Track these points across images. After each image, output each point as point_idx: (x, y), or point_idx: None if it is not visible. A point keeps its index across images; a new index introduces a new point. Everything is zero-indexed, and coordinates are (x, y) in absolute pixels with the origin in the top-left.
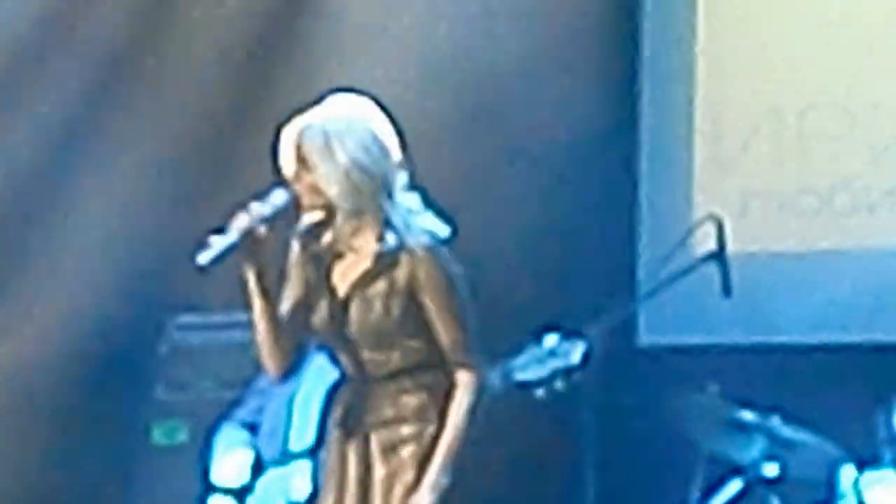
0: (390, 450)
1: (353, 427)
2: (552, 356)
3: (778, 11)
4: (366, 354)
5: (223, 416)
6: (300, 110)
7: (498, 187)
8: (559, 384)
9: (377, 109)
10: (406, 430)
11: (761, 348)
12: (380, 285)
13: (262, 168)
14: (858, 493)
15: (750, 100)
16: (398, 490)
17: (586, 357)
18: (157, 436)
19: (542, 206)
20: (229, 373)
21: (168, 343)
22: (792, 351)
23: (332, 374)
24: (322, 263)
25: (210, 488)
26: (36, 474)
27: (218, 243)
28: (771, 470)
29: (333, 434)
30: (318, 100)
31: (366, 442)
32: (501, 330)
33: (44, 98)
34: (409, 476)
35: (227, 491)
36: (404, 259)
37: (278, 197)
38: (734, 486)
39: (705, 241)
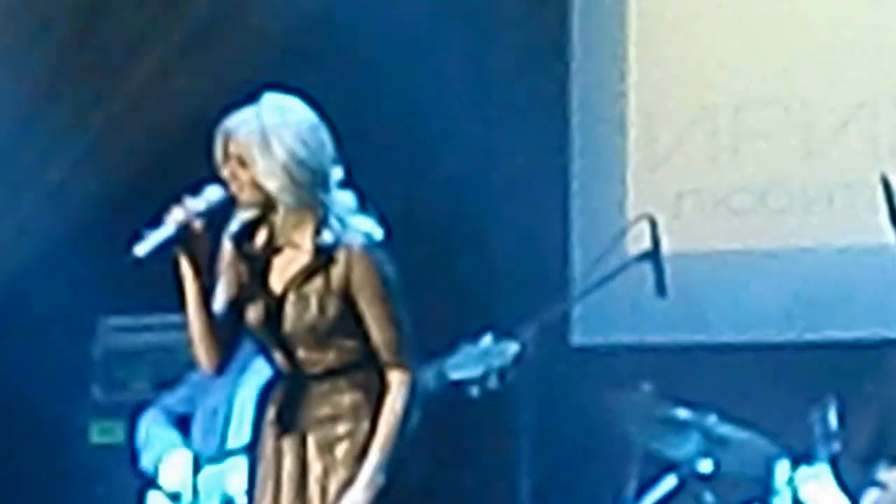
0: (325, 448)
1: (289, 425)
2: (486, 355)
3: (710, 9)
4: (301, 353)
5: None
6: (232, 107)
7: (428, 186)
8: (493, 383)
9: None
10: (341, 428)
11: (696, 347)
12: (316, 283)
13: (195, 165)
14: (793, 489)
15: (683, 98)
16: (333, 488)
17: (519, 356)
18: (95, 435)
19: (474, 207)
20: (164, 373)
21: (101, 344)
22: (727, 350)
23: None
24: (256, 261)
25: (148, 484)
26: None
27: (154, 236)
28: (705, 466)
29: (268, 431)
30: (250, 98)
31: (301, 440)
32: (435, 331)
33: None
34: (343, 474)
35: (169, 494)
36: (341, 257)
37: (213, 193)
38: (669, 483)
39: (639, 241)
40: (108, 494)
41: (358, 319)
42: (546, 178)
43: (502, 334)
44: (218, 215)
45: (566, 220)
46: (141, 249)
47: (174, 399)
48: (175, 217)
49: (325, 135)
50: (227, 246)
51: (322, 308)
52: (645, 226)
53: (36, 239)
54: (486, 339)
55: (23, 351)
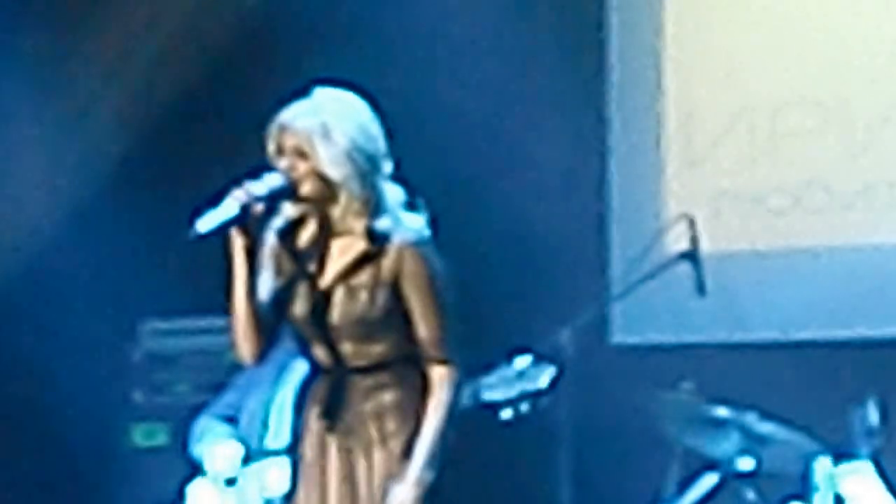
0: (372, 445)
1: (333, 421)
2: (521, 378)
3: (747, 9)
4: (346, 346)
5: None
6: (278, 105)
7: (466, 187)
8: (525, 407)
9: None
10: (387, 424)
11: (735, 346)
12: (366, 274)
13: (241, 167)
14: (833, 486)
15: (721, 98)
16: (381, 485)
17: (555, 382)
18: (138, 438)
19: (515, 207)
20: (204, 376)
21: (142, 348)
22: (765, 348)
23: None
24: (303, 256)
25: (192, 477)
26: (20, 477)
27: (216, 214)
28: (746, 464)
29: (312, 428)
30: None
31: (346, 436)
32: (476, 331)
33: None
34: (390, 471)
35: (223, 480)
36: (392, 250)
37: (274, 179)
38: (709, 480)
39: (678, 241)
40: (150, 497)
41: (404, 313)
42: (585, 179)
43: (540, 356)
44: (277, 202)
45: (605, 220)
46: (203, 226)
47: (222, 405)
48: (237, 197)
49: (377, 127)
50: (270, 240)
51: (372, 299)
52: (684, 226)
53: (77, 243)
54: (523, 361)
55: (65, 355)
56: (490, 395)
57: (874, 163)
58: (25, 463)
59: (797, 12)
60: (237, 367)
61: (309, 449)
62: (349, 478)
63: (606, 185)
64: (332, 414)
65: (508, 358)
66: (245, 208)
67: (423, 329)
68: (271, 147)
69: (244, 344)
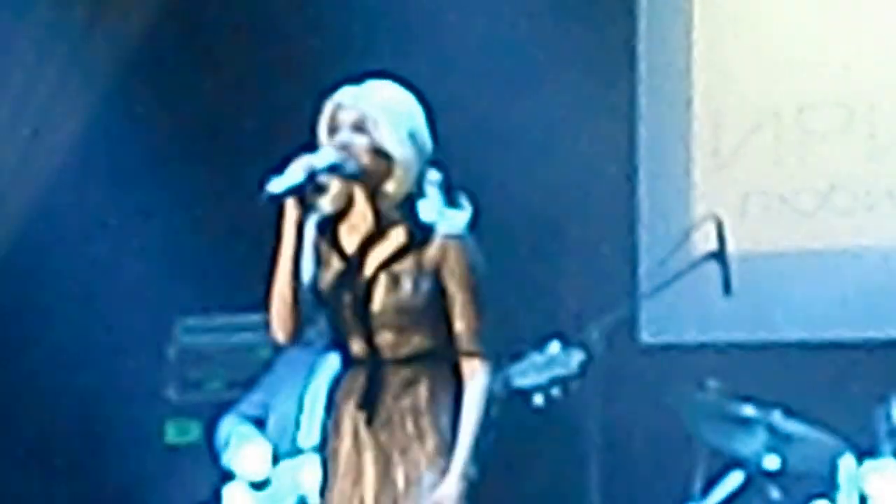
0: (408, 437)
1: (371, 413)
2: (551, 364)
3: (776, 10)
4: (384, 336)
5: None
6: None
7: (496, 187)
8: (556, 392)
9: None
10: (423, 417)
11: (761, 346)
12: (408, 263)
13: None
14: (858, 484)
15: (749, 98)
16: (417, 478)
17: (585, 366)
18: (171, 434)
19: (543, 207)
20: (237, 373)
21: (176, 345)
22: (791, 348)
23: None
24: (343, 246)
25: (226, 479)
26: (54, 474)
27: (284, 179)
28: (772, 463)
29: (347, 421)
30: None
31: (383, 428)
32: (504, 330)
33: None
34: (426, 464)
35: (250, 483)
36: (436, 242)
37: (330, 153)
38: (735, 478)
39: (705, 241)
40: (184, 493)
41: (442, 306)
42: (614, 179)
43: (569, 342)
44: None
45: (633, 219)
46: (276, 186)
47: (248, 403)
48: (303, 165)
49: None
50: (310, 228)
51: (415, 287)
52: (711, 226)
53: (112, 240)
54: (553, 347)
55: (99, 352)
56: (521, 382)
57: None
58: (60, 459)
59: (824, 15)
60: (269, 364)
61: (344, 442)
62: (385, 470)
63: (635, 184)
64: (370, 405)
65: (538, 345)
66: (310, 175)
67: (461, 322)
68: (324, 126)
69: (281, 321)
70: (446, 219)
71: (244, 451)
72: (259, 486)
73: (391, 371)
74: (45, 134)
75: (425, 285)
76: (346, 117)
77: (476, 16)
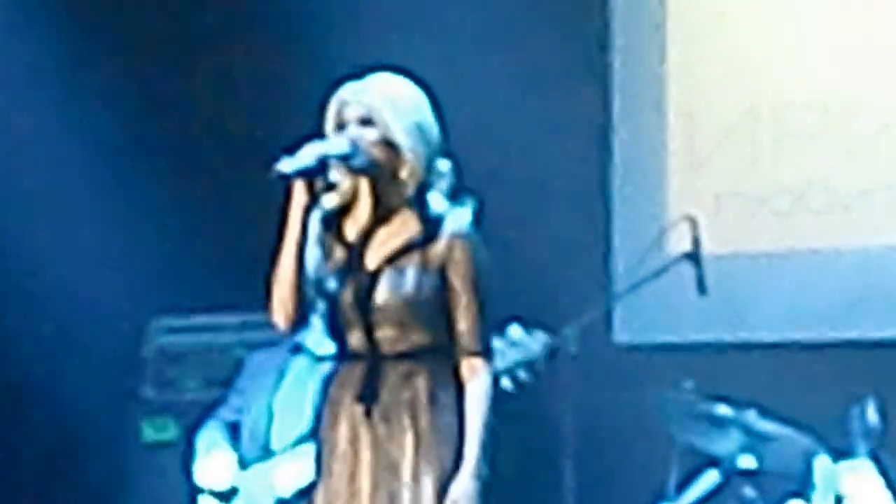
0: (405, 432)
1: (370, 407)
2: (515, 347)
3: (750, 11)
4: (385, 330)
5: (208, 414)
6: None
7: (472, 188)
8: (523, 375)
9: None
10: (422, 414)
11: (736, 346)
12: (414, 258)
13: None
14: (833, 484)
15: (723, 99)
16: (414, 473)
17: (552, 351)
18: (148, 433)
19: (516, 207)
20: (213, 372)
21: (152, 345)
22: (766, 349)
23: (315, 377)
24: (348, 240)
25: (198, 488)
26: (31, 472)
27: (295, 161)
28: (746, 462)
29: (344, 415)
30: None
31: (381, 423)
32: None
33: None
34: (423, 460)
35: (213, 493)
36: (442, 238)
37: (343, 143)
38: (710, 478)
39: (680, 241)
40: (160, 492)
41: (444, 303)
42: (588, 179)
43: (529, 325)
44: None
45: (608, 220)
46: (286, 166)
47: (226, 408)
48: (315, 150)
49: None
50: (314, 222)
51: (418, 284)
52: (686, 226)
53: (87, 239)
54: (514, 331)
55: (75, 350)
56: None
57: (876, 165)
58: (36, 457)
59: (800, 14)
60: (244, 365)
61: (340, 435)
62: (382, 464)
63: (609, 184)
64: (369, 399)
65: (500, 329)
66: (321, 161)
67: (464, 321)
68: (331, 123)
69: (282, 307)
70: (453, 215)
71: (206, 461)
72: (225, 496)
73: (390, 365)
74: (17, 132)
75: (429, 282)
76: (351, 113)
77: (450, 19)
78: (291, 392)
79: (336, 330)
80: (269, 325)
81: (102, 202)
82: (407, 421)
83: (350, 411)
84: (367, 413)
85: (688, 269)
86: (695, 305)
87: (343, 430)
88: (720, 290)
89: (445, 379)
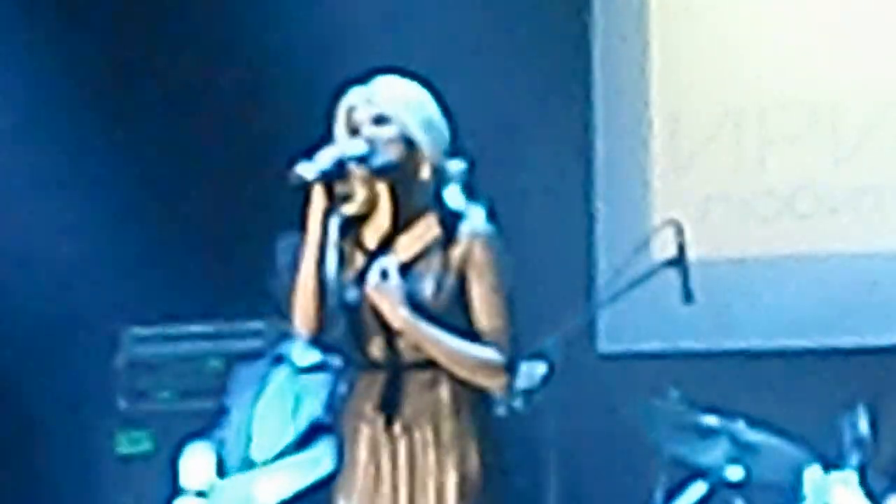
0: (427, 441)
1: (392, 416)
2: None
3: (735, 12)
4: (405, 339)
5: (186, 424)
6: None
7: None
8: (518, 403)
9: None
10: (444, 422)
11: (723, 354)
12: (434, 261)
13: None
14: (823, 495)
15: (708, 102)
16: (436, 482)
17: (547, 377)
18: (123, 445)
19: (499, 213)
20: (188, 383)
21: (125, 355)
22: (754, 356)
23: (294, 388)
24: (367, 247)
25: (175, 493)
26: (2, 485)
27: (315, 165)
28: (734, 473)
29: (364, 425)
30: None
31: (403, 432)
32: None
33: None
34: (444, 468)
35: (195, 493)
36: (462, 238)
37: (361, 145)
38: (698, 489)
39: (665, 247)
40: (134, 502)
41: (465, 306)
42: (571, 184)
43: (531, 356)
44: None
45: (591, 226)
46: (303, 171)
47: (209, 425)
48: (332, 153)
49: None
50: (332, 229)
51: (437, 290)
52: (670, 232)
53: (60, 249)
54: None
55: (47, 361)
56: None
57: (862, 168)
58: (8, 470)
59: (785, 16)
60: (220, 374)
61: (362, 447)
62: (404, 475)
63: (592, 190)
64: (391, 409)
65: None
66: (340, 163)
67: (485, 322)
68: (342, 130)
69: (304, 315)
70: (471, 213)
71: (187, 461)
72: (202, 494)
73: (411, 375)
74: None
75: (448, 286)
76: (363, 115)
77: (432, 21)
78: (272, 403)
79: (357, 338)
80: (245, 334)
81: (73, 209)
82: (429, 430)
83: (371, 422)
84: (388, 423)
85: (673, 276)
86: (680, 312)
87: (364, 442)
88: (706, 296)
89: (468, 384)
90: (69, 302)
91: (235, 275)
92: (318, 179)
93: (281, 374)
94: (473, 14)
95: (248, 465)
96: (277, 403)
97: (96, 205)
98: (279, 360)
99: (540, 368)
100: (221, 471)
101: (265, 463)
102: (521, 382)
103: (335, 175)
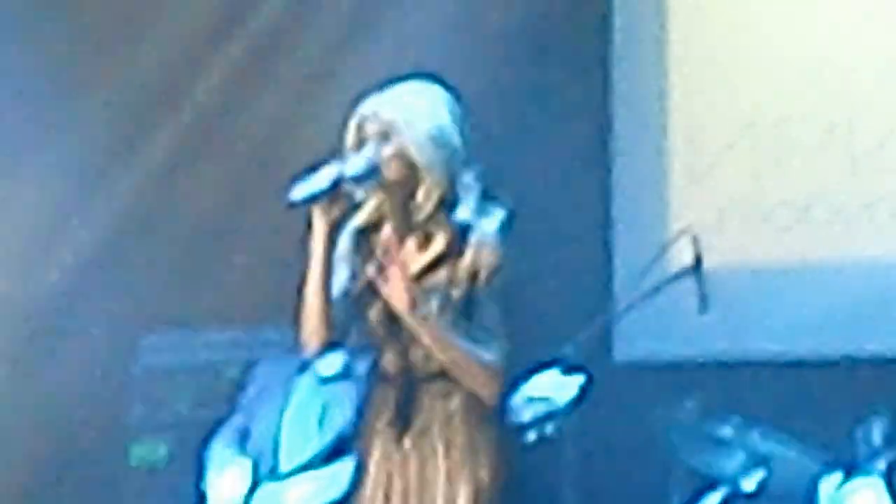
0: (437, 452)
1: (405, 428)
2: (544, 401)
3: (752, 23)
4: (415, 351)
5: (202, 433)
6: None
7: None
8: (550, 429)
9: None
10: (455, 433)
11: (739, 363)
12: (441, 275)
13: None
14: None
15: (725, 112)
16: (445, 492)
17: (577, 403)
18: (136, 455)
19: (514, 221)
20: (203, 392)
21: (140, 363)
22: (769, 365)
23: (323, 392)
24: (377, 258)
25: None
26: (17, 494)
27: (309, 185)
28: (750, 483)
29: (378, 436)
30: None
31: (415, 443)
32: None
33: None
34: (455, 478)
35: None
36: (469, 250)
37: (360, 162)
38: (713, 499)
39: (681, 256)
40: None
41: (472, 315)
42: (588, 193)
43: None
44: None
45: (608, 235)
46: (297, 194)
47: (229, 429)
48: (329, 173)
49: (459, 120)
50: (344, 244)
51: (444, 302)
52: (687, 241)
53: (75, 256)
54: (543, 380)
55: (62, 369)
56: (518, 417)
57: (878, 178)
58: (20, 482)
59: (802, 28)
60: (237, 383)
61: (374, 459)
62: (415, 486)
63: (609, 199)
64: (404, 420)
65: (528, 376)
66: (336, 183)
67: (483, 326)
68: (351, 140)
69: (312, 335)
70: (480, 225)
71: (219, 476)
72: None
73: (424, 386)
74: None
75: (456, 298)
76: (371, 128)
77: (449, 30)
78: (299, 412)
79: (372, 350)
80: (262, 342)
81: (91, 216)
82: (441, 442)
83: (383, 435)
84: (401, 435)
85: (689, 285)
86: (696, 321)
87: (377, 454)
88: (722, 305)
89: (476, 398)
90: (86, 309)
91: (254, 281)
92: (307, 201)
93: (306, 382)
94: (492, 25)
95: (277, 475)
96: (304, 412)
97: (112, 209)
98: (304, 366)
99: (570, 392)
100: (251, 483)
101: (291, 473)
102: (553, 407)
103: (331, 195)
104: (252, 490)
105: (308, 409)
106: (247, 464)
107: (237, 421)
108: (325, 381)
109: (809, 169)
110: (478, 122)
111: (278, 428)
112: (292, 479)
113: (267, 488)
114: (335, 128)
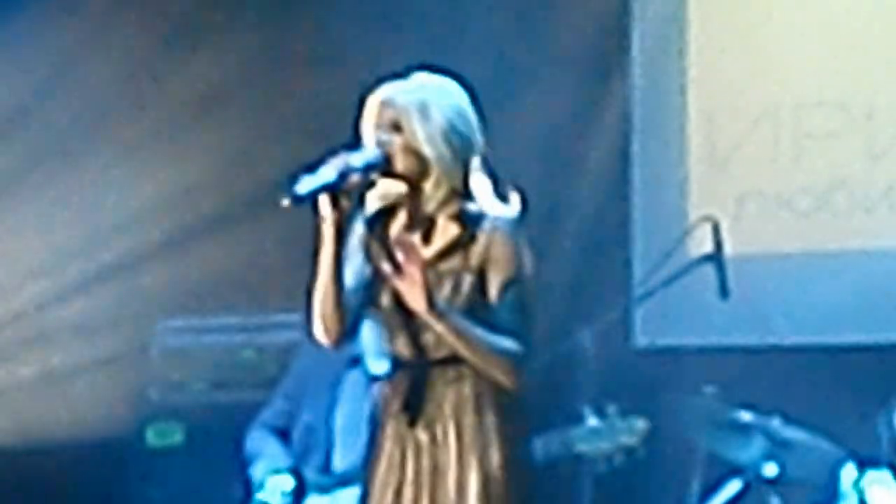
0: (448, 437)
1: (416, 414)
2: (614, 431)
3: (771, 10)
4: (426, 336)
5: (219, 416)
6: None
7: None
8: (619, 460)
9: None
10: (466, 418)
11: (758, 350)
12: (454, 261)
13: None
14: (860, 493)
15: (745, 99)
16: (456, 479)
17: (649, 436)
18: (152, 437)
19: (537, 209)
20: (221, 375)
21: (158, 345)
22: (789, 352)
23: (370, 395)
24: (390, 244)
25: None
26: (34, 476)
27: (314, 179)
28: (770, 470)
29: (391, 422)
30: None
31: (426, 429)
32: None
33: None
34: (466, 464)
35: None
36: (482, 236)
37: (369, 152)
38: (733, 487)
39: (701, 243)
40: (164, 496)
41: (484, 303)
42: (608, 181)
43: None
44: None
45: (628, 222)
46: (302, 188)
47: (271, 412)
48: (335, 164)
49: (473, 114)
50: (359, 229)
51: (455, 288)
52: (707, 228)
53: (95, 241)
54: (611, 411)
55: (81, 352)
56: (583, 447)
57: None
58: (40, 460)
59: (821, 13)
60: (253, 365)
61: (386, 446)
62: (427, 471)
63: (629, 186)
64: (414, 407)
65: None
66: (342, 175)
67: (502, 314)
68: (370, 121)
69: (325, 326)
70: (493, 212)
71: (271, 480)
72: None
73: (435, 372)
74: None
75: (467, 285)
76: (386, 115)
77: (471, 20)
78: (350, 409)
79: (386, 338)
80: (279, 326)
81: (113, 201)
82: (452, 425)
83: (396, 420)
84: (411, 422)
85: (709, 271)
86: (717, 308)
87: (389, 440)
88: (742, 291)
89: (489, 384)
90: (104, 292)
91: (271, 266)
92: (309, 196)
93: (354, 378)
94: (513, 15)
95: (328, 475)
96: (355, 410)
97: (135, 194)
98: (355, 362)
99: (640, 425)
100: (301, 488)
101: (347, 475)
102: (623, 439)
103: (338, 187)
104: (301, 490)
105: (360, 406)
106: (290, 479)
107: (280, 405)
108: (375, 379)
109: (829, 155)
110: (497, 112)
111: (330, 427)
112: (348, 489)
113: (317, 500)
114: (350, 114)
